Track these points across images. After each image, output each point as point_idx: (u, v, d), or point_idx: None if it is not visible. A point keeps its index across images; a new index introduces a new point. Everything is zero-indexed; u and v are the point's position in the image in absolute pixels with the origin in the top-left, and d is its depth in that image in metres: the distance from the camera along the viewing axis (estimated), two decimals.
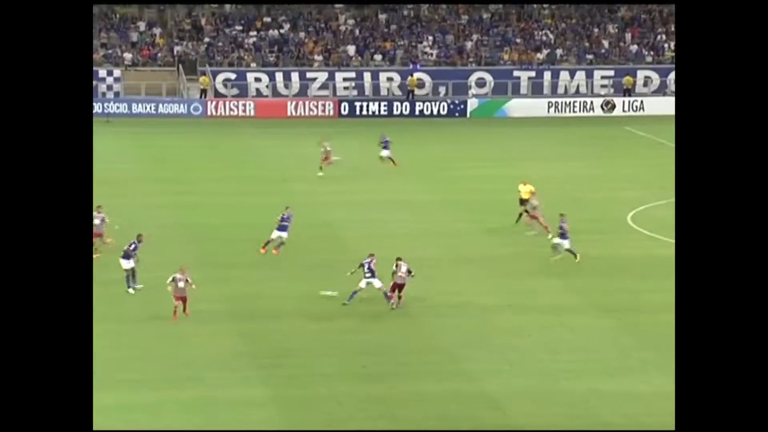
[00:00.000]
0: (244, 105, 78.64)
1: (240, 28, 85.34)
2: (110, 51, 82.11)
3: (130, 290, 37.18)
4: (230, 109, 78.36)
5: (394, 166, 57.74)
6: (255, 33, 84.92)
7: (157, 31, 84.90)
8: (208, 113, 77.99)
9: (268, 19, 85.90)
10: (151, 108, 77.95)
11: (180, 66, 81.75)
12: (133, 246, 37.51)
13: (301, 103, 79.05)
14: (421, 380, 30.30)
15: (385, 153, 58.40)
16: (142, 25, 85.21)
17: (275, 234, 41.60)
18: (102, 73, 79.27)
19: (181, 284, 34.27)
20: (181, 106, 78.47)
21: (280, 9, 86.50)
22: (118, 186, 53.89)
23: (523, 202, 46.19)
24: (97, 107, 76.27)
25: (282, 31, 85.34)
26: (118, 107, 77.57)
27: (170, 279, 34.48)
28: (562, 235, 41.19)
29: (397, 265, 36.25)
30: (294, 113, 78.36)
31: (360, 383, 30.03)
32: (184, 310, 34.44)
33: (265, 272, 39.92)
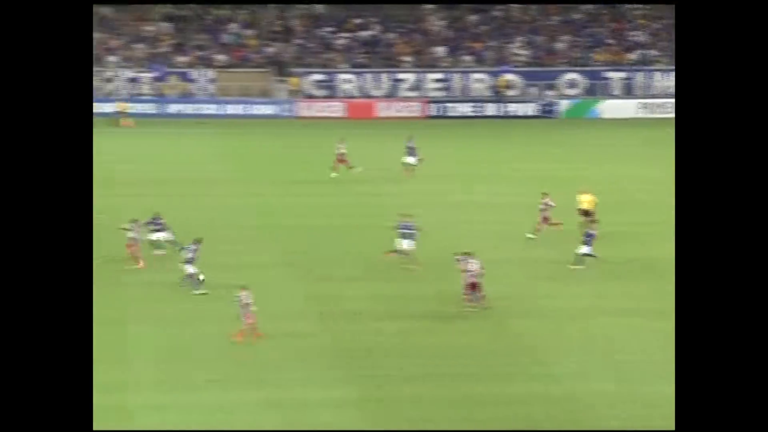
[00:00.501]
0: (334, 106, 79.07)
1: (330, 29, 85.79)
2: (203, 53, 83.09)
3: (195, 292, 36.78)
4: (319, 110, 78.85)
5: (413, 174, 55.96)
6: (345, 34, 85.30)
7: (249, 32, 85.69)
8: (298, 114, 78.58)
9: (358, 20, 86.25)
10: (242, 109, 78.81)
11: (271, 67, 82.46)
12: (191, 253, 36.94)
13: (390, 104, 79.27)
14: (502, 382, 30.20)
15: (410, 159, 56.24)
16: (234, 27, 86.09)
17: (401, 243, 39.94)
18: (195, 74, 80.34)
19: (247, 300, 32.68)
20: (272, 107, 79.21)
21: (370, 10, 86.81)
22: (208, 186, 54.62)
23: (584, 213, 44.92)
24: (191, 108, 77.86)
25: (372, 32, 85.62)
26: (210, 108, 78.59)
27: (239, 299, 32.82)
28: (586, 242, 40.28)
29: (468, 262, 35.65)
30: (383, 114, 78.62)
31: (442, 384, 29.93)
32: (253, 333, 32.73)
33: (347, 272, 40.04)
